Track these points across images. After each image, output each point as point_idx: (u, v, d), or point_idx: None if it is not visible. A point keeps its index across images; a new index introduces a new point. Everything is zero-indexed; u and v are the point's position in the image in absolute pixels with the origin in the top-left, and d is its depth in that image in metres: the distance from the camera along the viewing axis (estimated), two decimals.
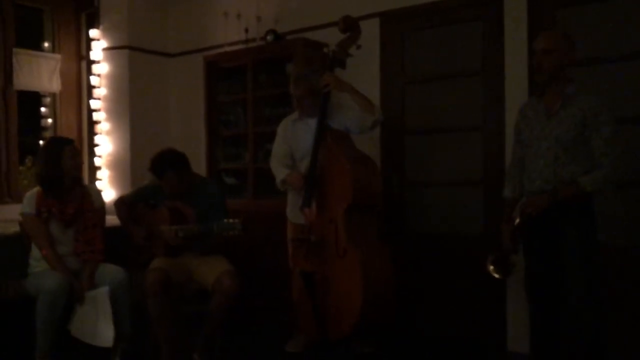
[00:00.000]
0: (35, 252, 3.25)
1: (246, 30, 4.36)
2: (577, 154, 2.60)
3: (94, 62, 4.95)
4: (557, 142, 2.63)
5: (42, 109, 5.12)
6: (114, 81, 4.90)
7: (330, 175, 3.05)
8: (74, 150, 3.28)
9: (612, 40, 3.18)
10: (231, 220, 3.00)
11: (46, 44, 5.09)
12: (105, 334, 3.09)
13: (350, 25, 3.21)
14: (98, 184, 4.83)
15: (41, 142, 5.08)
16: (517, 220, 2.73)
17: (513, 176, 2.89)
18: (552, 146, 2.64)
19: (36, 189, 3.26)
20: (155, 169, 3.31)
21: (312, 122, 3.26)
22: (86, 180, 4.76)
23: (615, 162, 2.53)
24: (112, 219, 3.64)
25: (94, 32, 4.95)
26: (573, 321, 2.63)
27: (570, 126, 2.59)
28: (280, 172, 3.37)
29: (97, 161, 4.94)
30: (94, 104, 4.95)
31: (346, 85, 3.20)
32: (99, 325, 3.10)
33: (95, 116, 4.95)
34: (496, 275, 2.79)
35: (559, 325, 2.76)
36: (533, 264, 2.80)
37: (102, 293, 3.11)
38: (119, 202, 3.55)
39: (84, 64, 5.16)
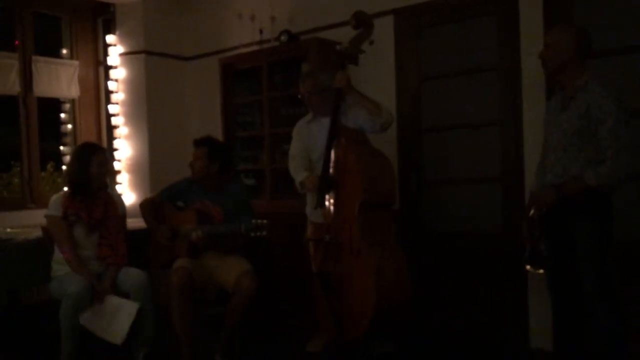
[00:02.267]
0: (58, 255, 3.30)
1: (260, 32, 4.37)
2: (585, 147, 2.56)
3: (111, 67, 5.01)
4: (565, 135, 2.61)
5: (62, 115, 5.19)
6: (131, 86, 4.96)
7: (344, 173, 3.04)
8: (102, 159, 3.34)
9: (631, 32, 3.12)
10: (259, 221, 3.02)
11: (64, 51, 5.16)
12: (117, 332, 3.08)
13: (362, 21, 3.18)
14: (118, 188, 4.89)
15: (62, 147, 5.14)
16: (531, 212, 2.72)
17: (539, 171, 2.88)
18: (561, 140, 2.63)
19: (63, 192, 3.33)
20: (196, 142, 3.45)
21: (327, 122, 3.24)
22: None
23: (621, 156, 2.46)
24: (131, 222, 3.67)
25: (110, 38, 5.00)
26: (588, 315, 2.61)
27: (576, 119, 2.56)
28: (299, 174, 3.37)
29: (117, 165, 4.99)
30: (112, 108, 5.01)
31: (354, 89, 3.18)
32: (114, 324, 3.11)
33: (114, 121, 5.01)
34: (538, 271, 2.77)
35: (581, 318, 2.73)
36: (552, 257, 2.77)
37: (133, 306, 3.12)
38: (145, 204, 3.57)
39: (101, 70, 5.22)
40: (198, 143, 3.44)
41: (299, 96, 3.47)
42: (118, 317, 3.11)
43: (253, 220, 3.04)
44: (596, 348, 2.61)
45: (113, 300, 3.15)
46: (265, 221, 3.03)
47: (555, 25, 2.98)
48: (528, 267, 2.78)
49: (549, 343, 3.06)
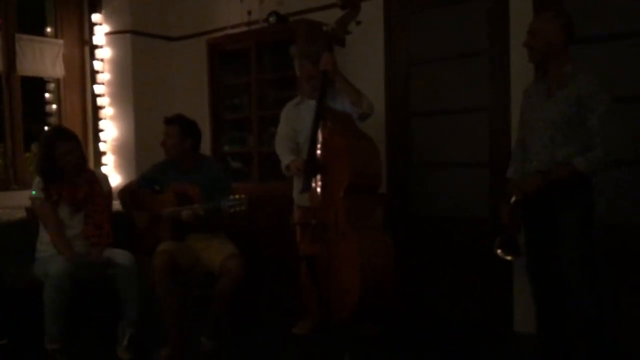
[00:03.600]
0: (42, 236, 3.28)
1: (249, 13, 4.32)
2: (573, 135, 2.57)
3: (96, 46, 4.93)
4: (552, 123, 2.61)
5: (47, 95, 5.11)
6: (117, 66, 4.89)
7: (330, 156, 3.03)
8: (67, 148, 3.23)
9: (617, 18, 3.13)
10: (237, 196, 3.02)
11: (49, 29, 5.06)
12: None
13: (348, 1, 3.13)
14: (103, 169, 4.84)
15: (46, 128, 5.07)
16: (513, 199, 2.73)
17: (516, 157, 2.89)
18: (548, 127, 2.63)
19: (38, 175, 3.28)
20: (167, 120, 3.44)
21: (315, 104, 3.23)
22: (91, 166, 4.76)
23: (609, 143, 2.49)
24: (117, 205, 3.64)
25: (96, 17, 4.92)
26: (570, 299, 2.64)
27: (566, 107, 2.57)
28: (285, 157, 3.36)
29: (102, 146, 4.94)
30: (97, 89, 4.94)
31: (339, 74, 3.15)
32: None
33: (100, 101, 4.94)
34: (507, 257, 2.79)
35: (562, 304, 2.77)
36: (533, 244, 2.81)
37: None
38: (122, 192, 3.58)
39: (87, 49, 5.13)
40: (169, 121, 3.42)
41: (300, 77, 3.41)
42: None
43: (231, 196, 3.03)
44: (577, 332, 2.65)
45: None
46: (243, 196, 3.02)
47: (541, 12, 2.98)
48: (499, 251, 2.79)
49: (532, 326, 3.09)
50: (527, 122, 2.78)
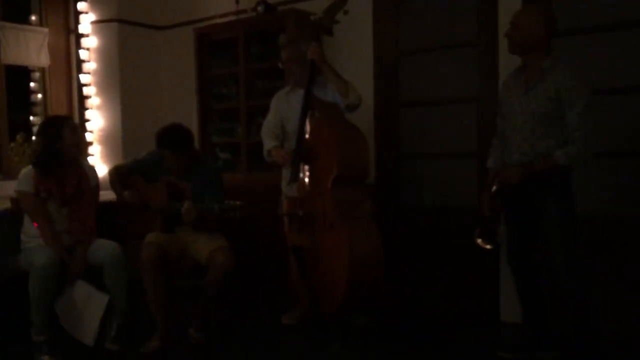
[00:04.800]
0: (27, 228, 3.24)
1: (237, 2, 4.29)
2: (553, 128, 2.61)
3: (82, 35, 4.86)
4: (532, 116, 2.64)
5: (32, 85, 5.04)
6: (104, 55, 4.84)
7: (317, 146, 3.02)
8: (74, 126, 3.26)
9: (601, 10, 3.15)
10: (231, 203, 2.99)
11: (33, 17, 4.99)
12: (88, 332, 3.10)
13: None
14: (90, 160, 4.80)
15: (31, 118, 5.01)
16: (494, 188, 2.76)
17: (495, 148, 2.92)
18: (528, 120, 2.66)
19: (32, 167, 3.21)
20: (157, 144, 3.29)
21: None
22: None
23: (587, 137, 2.53)
24: (104, 195, 3.61)
25: (81, 5, 4.85)
26: (557, 289, 2.68)
27: (545, 101, 2.60)
28: (268, 142, 3.35)
29: (89, 136, 4.89)
30: (83, 78, 4.88)
31: (326, 64, 3.13)
32: (84, 320, 3.11)
33: (86, 91, 4.89)
34: (486, 247, 2.82)
35: (544, 294, 2.84)
36: (514, 236, 2.85)
37: (102, 298, 3.10)
38: (114, 171, 3.53)
39: (72, 38, 5.06)
40: (175, 147, 3.23)
41: (280, 65, 3.42)
42: (87, 312, 3.10)
43: (226, 202, 3.01)
44: (564, 320, 2.68)
45: (83, 288, 3.13)
46: (238, 203, 2.99)
47: (524, 4, 3.01)
48: (479, 240, 2.82)
49: (518, 316, 3.12)
50: (507, 114, 2.80)
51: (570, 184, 2.67)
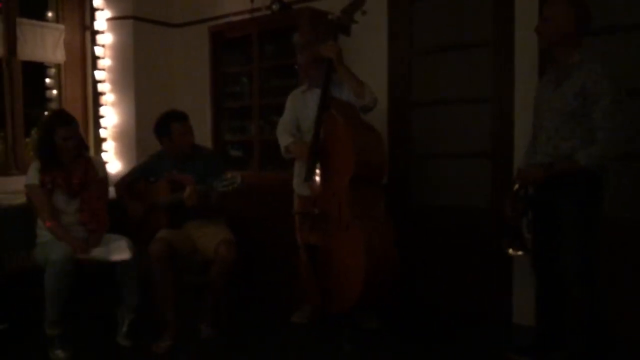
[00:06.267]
0: (41, 222, 3.26)
1: (252, 0, 4.29)
2: (578, 126, 2.52)
3: (98, 32, 4.90)
4: (558, 114, 2.57)
5: (47, 80, 5.09)
6: (119, 52, 4.86)
7: (333, 146, 3.01)
8: (67, 132, 3.20)
9: (628, 9, 3.09)
10: (229, 175, 3.01)
11: (50, 14, 5.03)
12: (120, 250, 3.16)
13: None
14: (104, 156, 4.83)
15: (46, 113, 5.05)
16: (516, 186, 2.72)
17: (529, 150, 2.86)
18: (554, 118, 2.59)
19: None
20: (161, 125, 3.37)
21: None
22: (92, 152, 4.74)
23: (612, 136, 2.43)
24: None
25: (97, 2, 4.88)
26: (570, 293, 2.62)
27: (570, 98, 2.52)
28: (284, 139, 3.35)
29: (103, 133, 4.92)
30: (98, 75, 4.92)
31: (342, 64, 3.11)
32: (113, 247, 3.19)
33: (100, 87, 4.92)
34: (518, 253, 2.78)
35: (563, 297, 2.75)
36: (539, 238, 2.79)
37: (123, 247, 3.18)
38: (118, 186, 3.60)
39: (88, 35, 5.10)
40: (184, 117, 3.39)
41: (296, 66, 3.42)
42: (113, 244, 3.20)
43: (223, 175, 3.03)
44: (576, 326, 2.63)
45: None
46: (235, 174, 3.01)
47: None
48: (510, 250, 2.79)
49: (531, 319, 3.10)
50: (537, 113, 2.75)
51: (598, 189, 2.56)
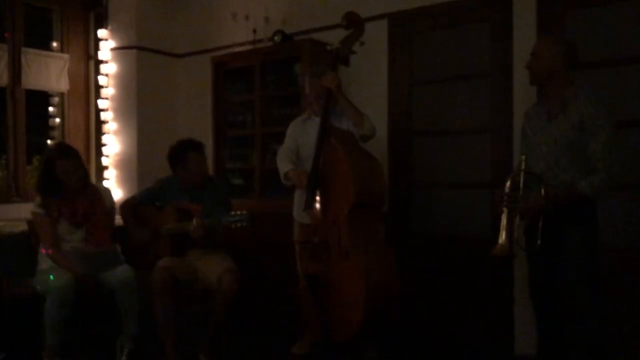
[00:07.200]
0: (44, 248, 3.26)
1: (254, 31, 4.37)
2: (577, 157, 2.59)
3: (102, 61, 4.96)
4: (556, 145, 2.63)
5: (50, 109, 5.14)
6: (122, 81, 4.92)
7: (333, 174, 3.03)
8: (67, 166, 3.23)
9: (620, 43, 3.17)
10: (238, 212, 3.01)
11: (54, 44, 5.11)
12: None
13: (353, 22, 3.18)
14: (105, 184, 4.84)
15: (49, 141, 5.10)
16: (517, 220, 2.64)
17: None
18: (551, 149, 2.64)
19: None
20: (177, 152, 3.38)
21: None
22: (93, 180, 4.77)
23: (612, 167, 2.51)
24: (119, 219, 3.64)
25: (102, 32, 4.96)
26: (576, 324, 2.61)
27: (569, 130, 2.59)
28: (284, 166, 3.36)
29: (105, 161, 4.95)
30: (101, 103, 4.96)
31: (342, 94, 3.17)
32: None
33: (103, 116, 4.97)
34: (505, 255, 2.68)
35: (564, 328, 2.75)
36: (538, 271, 2.79)
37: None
38: (124, 205, 3.58)
39: (92, 64, 5.18)
40: (201, 147, 3.43)
41: (309, 95, 3.44)
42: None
43: (232, 212, 3.04)
44: (580, 354, 2.62)
45: None
46: (244, 212, 3.02)
47: (542, 35, 3.04)
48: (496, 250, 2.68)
49: (532, 348, 3.08)
50: (530, 144, 2.79)
51: (595, 216, 2.63)
